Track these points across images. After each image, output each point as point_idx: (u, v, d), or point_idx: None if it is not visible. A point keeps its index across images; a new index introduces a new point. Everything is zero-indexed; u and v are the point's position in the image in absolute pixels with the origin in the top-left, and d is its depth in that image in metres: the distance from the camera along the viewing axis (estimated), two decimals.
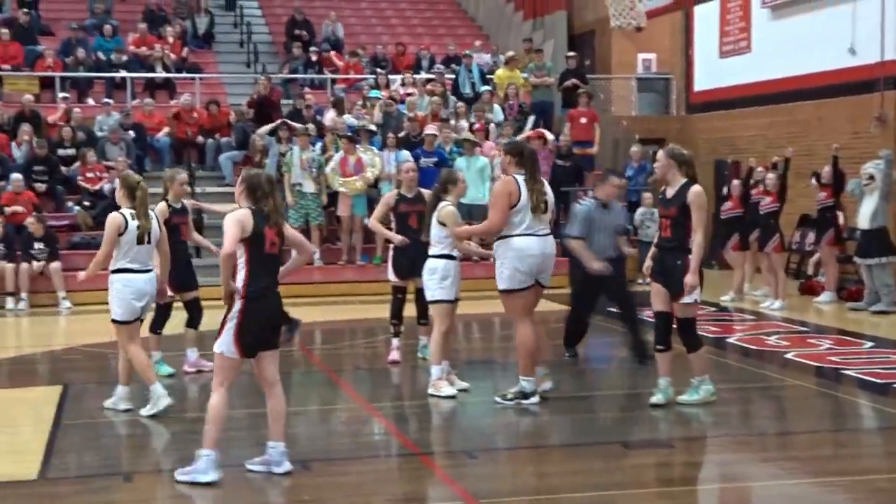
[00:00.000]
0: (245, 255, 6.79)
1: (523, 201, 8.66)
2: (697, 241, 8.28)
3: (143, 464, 7.60)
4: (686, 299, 8.37)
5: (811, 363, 10.88)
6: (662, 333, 8.58)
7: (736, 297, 15.59)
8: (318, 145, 17.73)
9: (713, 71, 21.50)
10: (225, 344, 6.78)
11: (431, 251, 9.49)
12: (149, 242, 8.60)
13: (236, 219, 6.81)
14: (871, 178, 14.30)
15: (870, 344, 12.11)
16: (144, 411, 8.48)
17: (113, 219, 8.52)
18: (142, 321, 8.78)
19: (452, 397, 9.21)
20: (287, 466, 6.90)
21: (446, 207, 9.32)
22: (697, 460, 7.83)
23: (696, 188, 8.34)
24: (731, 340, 12.40)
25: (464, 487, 6.71)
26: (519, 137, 18.26)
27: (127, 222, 8.46)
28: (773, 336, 12.60)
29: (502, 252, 8.74)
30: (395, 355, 10.95)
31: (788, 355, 11.30)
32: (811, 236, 16.62)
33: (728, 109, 20.86)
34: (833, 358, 11.11)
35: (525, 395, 8.87)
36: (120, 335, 8.63)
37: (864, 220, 14.32)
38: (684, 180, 8.42)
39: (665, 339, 8.56)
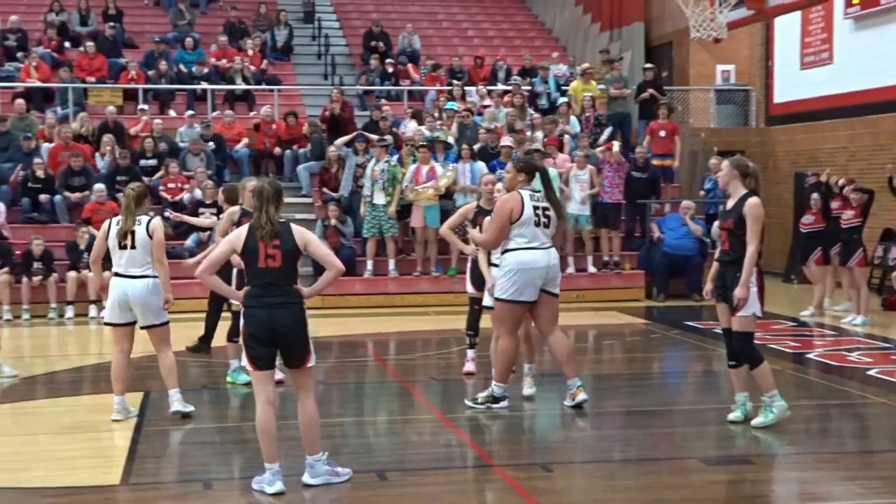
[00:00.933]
0: (245, 269, 6.92)
1: (526, 216, 8.85)
2: (750, 253, 8.08)
3: (222, 471, 7.68)
4: (742, 313, 8.15)
5: (895, 380, 10.64)
6: (732, 349, 8.43)
7: (816, 312, 15.34)
8: (395, 157, 17.79)
9: (794, 82, 21.23)
10: (244, 357, 6.99)
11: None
12: (133, 248, 8.82)
13: (229, 237, 7.11)
14: None
15: None
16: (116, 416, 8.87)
17: (104, 223, 9.14)
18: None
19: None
20: (316, 480, 6.91)
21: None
22: (777, 477, 7.68)
23: (752, 199, 8.16)
24: (811, 356, 12.17)
25: (540, 501, 6.69)
26: (598, 150, 18.33)
27: (110, 227, 8.91)
28: (854, 352, 12.33)
29: (507, 263, 8.91)
30: (469, 367, 10.96)
31: (871, 372, 11.09)
32: (894, 251, 16.29)
33: (809, 122, 20.57)
34: None
35: (496, 400, 9.19)
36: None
37: None
38: (744, 192, 8.26)
39: (736, 355, 8.42)
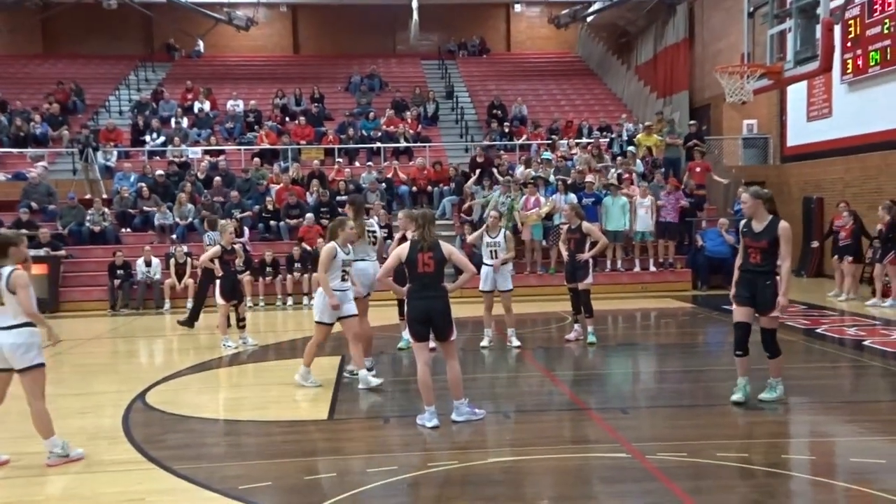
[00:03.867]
0: (407, 273, 6.94)
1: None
2: (786, 267, 7.11)
3: (396, 410, 7.72)
4: (776, 313, 7.19)
5: (883, 348, 10.12)
6: (743, 341, 7.33)
7: (839, 293, 14.93)
8: (497, 191, 17.69)
9: (802, 132, 20.42)
10: (406, 332, 7.05)
11: None
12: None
13: (395, 252, 7.07)
14: None
15: None
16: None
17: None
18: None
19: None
20: (461, 417, 6.92)
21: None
22: (795, 419, 7.34)
23: (784, 223, 7.17)
24: (819, 330, 11.59)
25: (619, 434, 6.59)
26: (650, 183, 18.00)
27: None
28: (852, 328, 11.79)
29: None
30: (571, 335, 10.97)
31: (866, 342, 10.58)
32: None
33: (814, 160, 19.77)
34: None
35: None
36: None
37: None
38: (771, 216, 7.20)
39: (744, 346, 7.34)
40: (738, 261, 7.47)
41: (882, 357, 9.69)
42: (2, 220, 17.93)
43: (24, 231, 6.81)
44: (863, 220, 15.25)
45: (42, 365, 6.09)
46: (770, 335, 7.33)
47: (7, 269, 5.99)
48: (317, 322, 8.63)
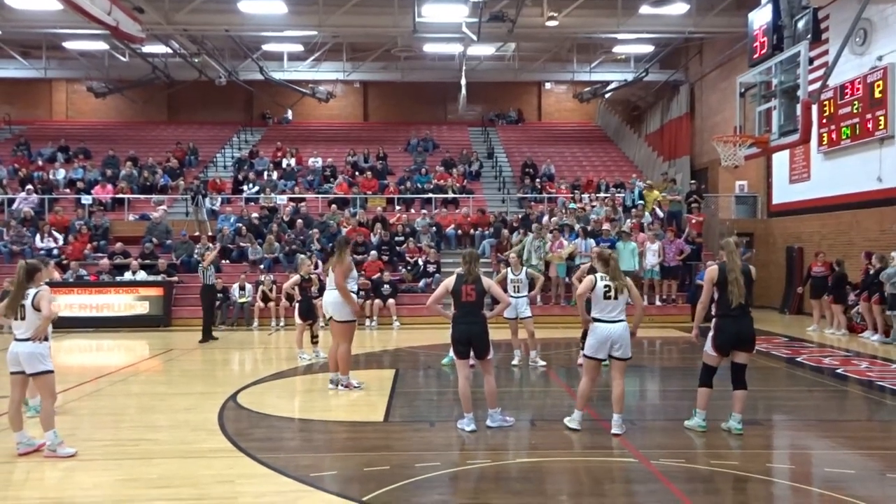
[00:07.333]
0: (453, 301, 6.83)
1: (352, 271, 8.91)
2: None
3: (440, 416, 7.66)
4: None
5: (854, 376, 9.79)
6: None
7: (817, 328, 14.55)
8: (532, 236, 17.68)
9: (785, 192, 20.03)
10: (451, 351, 6.97)
11: None
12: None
13: (443, 283, 6.95)
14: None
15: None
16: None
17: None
18: None
19: None
20: (494, 424, 6.84)
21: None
22: (776, 434, 7.15)
23: (708, 268, 6.97)
24: (798, 359, 11.29)
25: (628, 442, 6.47)
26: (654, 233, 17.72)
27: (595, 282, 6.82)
28: (827, 357, 11.43)
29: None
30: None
31: (838, 370, 10.25)
32: (852, 295, 15.05)
33: (795, 216, 19.37)
34: (870, 373, 9.97)
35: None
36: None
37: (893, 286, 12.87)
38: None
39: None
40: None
41: (851, 383, 9.38)
42: (129, 252, 18.45)
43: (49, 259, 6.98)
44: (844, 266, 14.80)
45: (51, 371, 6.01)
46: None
47: (33, 291, 5.97)
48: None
